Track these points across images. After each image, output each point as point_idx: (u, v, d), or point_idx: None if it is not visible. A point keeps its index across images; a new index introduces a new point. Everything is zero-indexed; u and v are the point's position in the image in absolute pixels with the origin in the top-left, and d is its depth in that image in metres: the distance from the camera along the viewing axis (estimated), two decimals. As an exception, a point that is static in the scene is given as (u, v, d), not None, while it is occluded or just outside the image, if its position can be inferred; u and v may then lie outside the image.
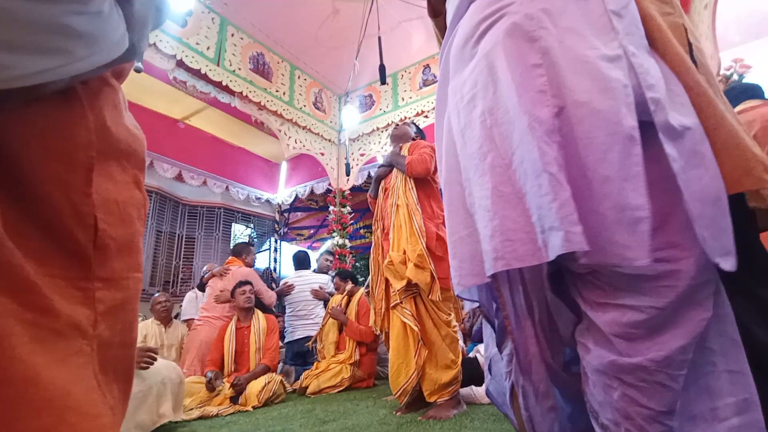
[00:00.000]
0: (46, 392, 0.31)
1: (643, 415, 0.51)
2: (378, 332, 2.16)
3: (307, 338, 3.45)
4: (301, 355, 3.54)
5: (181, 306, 3.90)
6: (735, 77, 2.82)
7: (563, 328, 0.68)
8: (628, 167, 0.51)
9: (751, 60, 2.88)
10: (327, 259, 4.08)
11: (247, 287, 2.94)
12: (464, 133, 0.68)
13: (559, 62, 0.57)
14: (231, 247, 5.73)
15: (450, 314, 1.98)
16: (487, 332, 0.83)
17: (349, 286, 3.26)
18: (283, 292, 3.66)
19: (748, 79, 2.79)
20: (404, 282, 1.92)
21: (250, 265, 3.59)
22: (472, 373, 2.08)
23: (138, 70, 2.60)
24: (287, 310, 3.69)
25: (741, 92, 1.75)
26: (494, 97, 0.62)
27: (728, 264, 0.48)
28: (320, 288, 3.65)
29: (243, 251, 3.63)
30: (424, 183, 2.11)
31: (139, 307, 0.45)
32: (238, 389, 2.54)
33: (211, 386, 2.54)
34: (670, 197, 0.52)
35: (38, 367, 0.31)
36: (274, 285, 4.33)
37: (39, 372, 0.31)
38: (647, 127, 0.53)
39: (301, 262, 3.92)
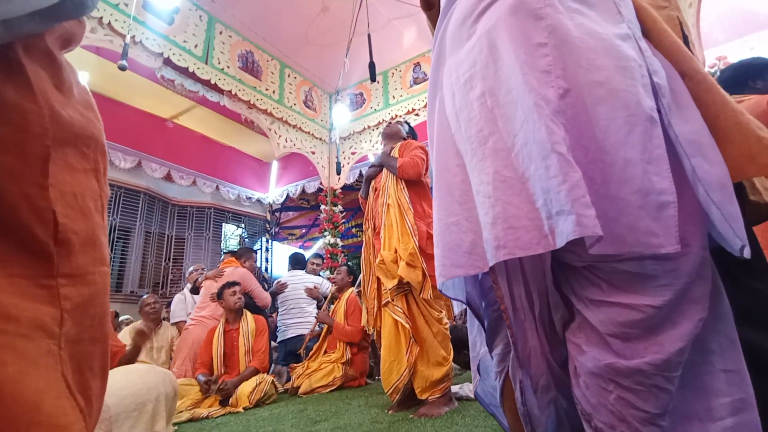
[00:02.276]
0: (9, 410, 0.30)
1: (638, 418, 0.50)
2: (370, 331, 2.16)
3: (300, 337, 3.44)
4: (294, 354, 3.52)
5: (167, 310, 3.85)
6: (718, 75, 2.87)
7: (558, 323, 0.66)
8: (651, 149, 0.49)
9: (734, 58, 2.93)
10: (314, 263, 4.07)
11: (237, 287, 2.90)
12: (459, 115, 0.64)
13: (570, 40, 0.54)
14: (222, 248, 5.71)
15: (441, 311, 1.98)
16: (474, 330, 0.81)
17: (340, 283, 3.24)
18: (277, 291, 3.65)
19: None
20: (396, 281, 1.91)
21: (250, 270, 3.57)
22: (461, 339, 2.12)
23: (122, 68, 2.56)
24: (280, 309, 3.67)
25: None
26: (495, 76, 0.59)
27: (744, 251, 0.47)
28: (315, 287, 3.64)
29: (244, 255, 3.64)
30: (416, 183, 2.11)
31: (109, 301, 0.43)
32: (225, 394, 2.52)
33: (206, 387, 2.52)
34: None
35: (4, 383, 0.30)
36: (266, 285, 4.30)
37: (2, 389, 0.30)
38: None
39: (296, 262, 3.92)
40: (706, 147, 0.50)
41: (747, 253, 0.47)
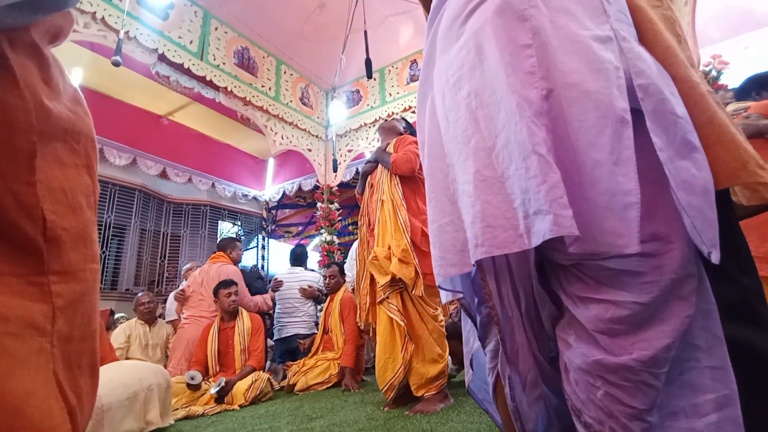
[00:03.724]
0: None
1: (626, 414, 0.51)
2: (362, 326, 2.17)
3: (296, 336, 3.43)
4: (290, 352, 3.52)
5: (163, 306, 3.84)
6: (713, 73, 2.88)
7: (546, 320, 0.66)
8: (619, 150, 0.50)
9: (728, 56, 2.94)
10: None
11: (233, 288, 2.87)
12: (448, 116, 0.66)
13: (550, 42, 0.55)
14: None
15: (437, 309, 1.99)
16: (467, 327, 0.82)
17: (335, 286, 3.21)
18: (274, 288, 3.65)
19: (726, 76, 2.86)
20: (388, 277, 1.92)
21: (236, 260, 3.53)
22: (456, 330, 2.16)
23: (116, 64, 2.54)
24: (277, 307, 3.67)
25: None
26: (481, 78, 0.60)
27: (714, 257, 0.48)
28: (309, 286, 3.63)
29: (229, 246, 3.55)
30: (410, 179, 2.11)
31: (98, 298, 0.43)
32: (223, 393, 2.51)
33: (195, 386, 2.50)
34: (654, 188, 0.51)
35: None
36: (260, 282, 4.28)
37: None
38: (636, 115, 0.52)
39: (296, 258, 3.87)
40: (695, 150, 0.50)
41: (715, 259, 0.47)
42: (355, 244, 3.61)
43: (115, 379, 1.69)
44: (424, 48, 0.79)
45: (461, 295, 0.76)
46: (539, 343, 0.67)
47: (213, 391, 2.48)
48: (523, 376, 0.68)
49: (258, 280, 3.84)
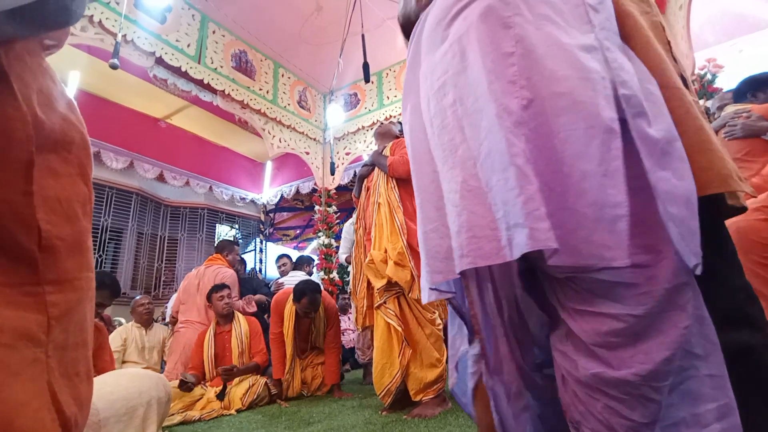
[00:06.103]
0: None
1: (625, 427, 0.50)
2: (359, 329, 2.16)
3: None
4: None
5: (164, 311, 3.82)
6: (708, 77, 2.90)
7: (534, 327, 0.66)
8: (608, 161, 0.49)
9: (723, 60, 2.97)
10: (284, 264, 4.05)
11: (225, 291, 2.85)
12: (433, 122, 0.65)
13: (536, 50, 0.54)
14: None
15: (434, 312, 1.98)
16: (455, 329, 0.80)
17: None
18: (273, 290, 3.66)
19: (720, 79, 2.88)
20: (384, 281, 1.91)
21: (233, 263, 3.52)
22: None
23: (114, 67, 2.53)
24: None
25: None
26: (465, 84, 0.59)
27: (698, 269, 0.47)
28: None
29: (226, 248, 3.54)
30: (406, 182, 2.10)
31: (92, 306, 0.43)
32: (227, 377, 2.51)
33: (187, 387, 2.49)
34: (642, 197, 0.50)
35: None
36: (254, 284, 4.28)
37: None
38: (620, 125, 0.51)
39: (296, 263, 3.97)
40: (676, 159, 0.50)
41: (698, 271, 0.47)
42: (349, 222, 3.56)
43: (115, 391, 1.67)
44: (408, 47, 0.77)
45: (451, 295, 0.74)
46: (523, 351, 0.67)
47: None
48: (507, 387, 0.68)
49: (250, 281, 3.85)
